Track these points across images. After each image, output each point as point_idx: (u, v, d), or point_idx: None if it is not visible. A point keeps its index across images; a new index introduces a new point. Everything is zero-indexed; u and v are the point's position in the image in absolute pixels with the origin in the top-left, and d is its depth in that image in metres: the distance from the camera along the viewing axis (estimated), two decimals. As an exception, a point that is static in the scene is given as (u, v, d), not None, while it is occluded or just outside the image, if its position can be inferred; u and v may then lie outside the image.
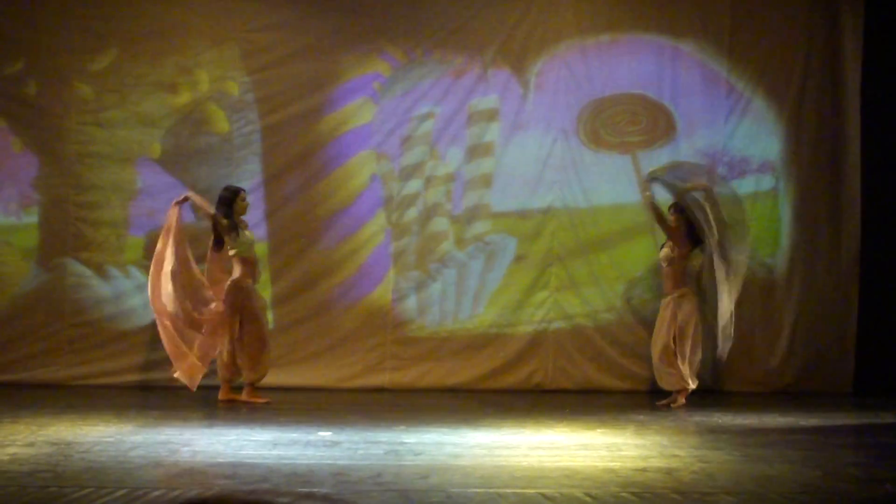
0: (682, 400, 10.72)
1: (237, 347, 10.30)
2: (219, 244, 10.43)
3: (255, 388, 10.41)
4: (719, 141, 12.27)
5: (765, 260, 12.32)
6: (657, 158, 12.12)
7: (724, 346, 10.67)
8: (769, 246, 12.36)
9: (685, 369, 10.69)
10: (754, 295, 12.18)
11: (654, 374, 11.08)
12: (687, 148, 12.22)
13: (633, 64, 12.29)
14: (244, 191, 10.61)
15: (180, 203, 10.39)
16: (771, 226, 12.38)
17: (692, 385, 10.73)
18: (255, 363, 10.35)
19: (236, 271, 10.34)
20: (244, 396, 10.34)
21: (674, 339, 10.74)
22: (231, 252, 10.34)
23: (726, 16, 12.33)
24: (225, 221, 10.26)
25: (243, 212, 10.47)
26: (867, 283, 12.30)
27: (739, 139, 12.30)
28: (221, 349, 10.33)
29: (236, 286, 10.29)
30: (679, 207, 10.91)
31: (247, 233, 10.43)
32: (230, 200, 10.38)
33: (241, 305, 10.29)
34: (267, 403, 10.24)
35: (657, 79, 12.31)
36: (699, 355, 10.85)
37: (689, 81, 12.31)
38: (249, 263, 10.40)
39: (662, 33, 12.30)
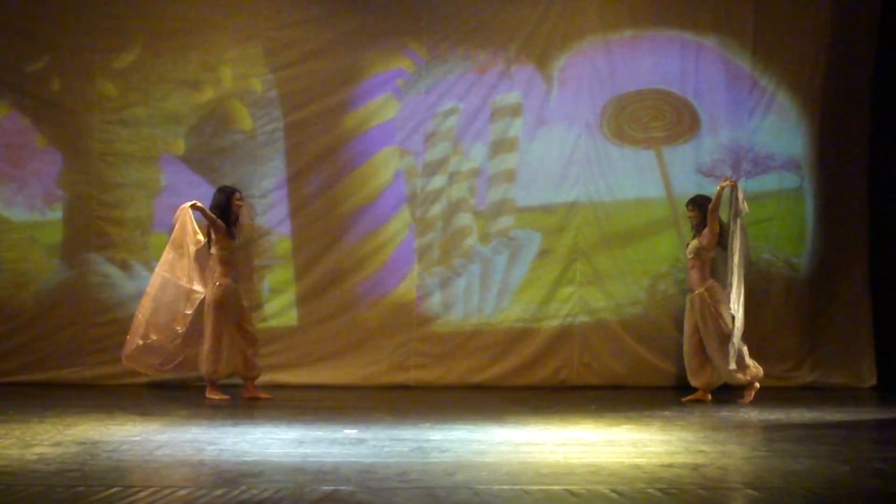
0: (707, 397, 10.67)
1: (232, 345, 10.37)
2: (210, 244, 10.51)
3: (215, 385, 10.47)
4: (743, 137, 12.23)
5: (789, 257, 12.29)
6: (681, 154, 12.17)
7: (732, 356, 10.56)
8: (793, 243, 12.34)
9: (725, 365, 10.54)
10: (779, 291, 12.23)
11: (684, 369, 10.97)
12: (711, 144, 12.22)
13: (656, 60, 12.28)
14: (239, 191, 10.69)
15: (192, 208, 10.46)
16: (795, 223, 12.36)
17: (746, 377, 10.63)
18: (250, 362, 10.42)
19: (218, 271, 10.35)
20: (206, 393, 10.40)
21: (704, 335, 10.65)
22: (213, 251, 10.40)
23: (749, 11, 12.29)
24: (222, 224, 10.34)
25: (238, 212, 10.56)
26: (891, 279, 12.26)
27: (763, 135, 12.27)
28: (241, 349, 10.37)
29: (223, 288, 10.31)
30: (696, 201, 10.85)
31: (234, 241, 10.48)
32: (226, 202, 10.45)
33: (233, 305, 10.35)
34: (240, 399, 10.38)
35: (680, 74, 12.28)
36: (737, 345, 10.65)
37: (713, 77, 12.28)
38: (229, 264, 10.41)
39: (685, 29, 12.28)
